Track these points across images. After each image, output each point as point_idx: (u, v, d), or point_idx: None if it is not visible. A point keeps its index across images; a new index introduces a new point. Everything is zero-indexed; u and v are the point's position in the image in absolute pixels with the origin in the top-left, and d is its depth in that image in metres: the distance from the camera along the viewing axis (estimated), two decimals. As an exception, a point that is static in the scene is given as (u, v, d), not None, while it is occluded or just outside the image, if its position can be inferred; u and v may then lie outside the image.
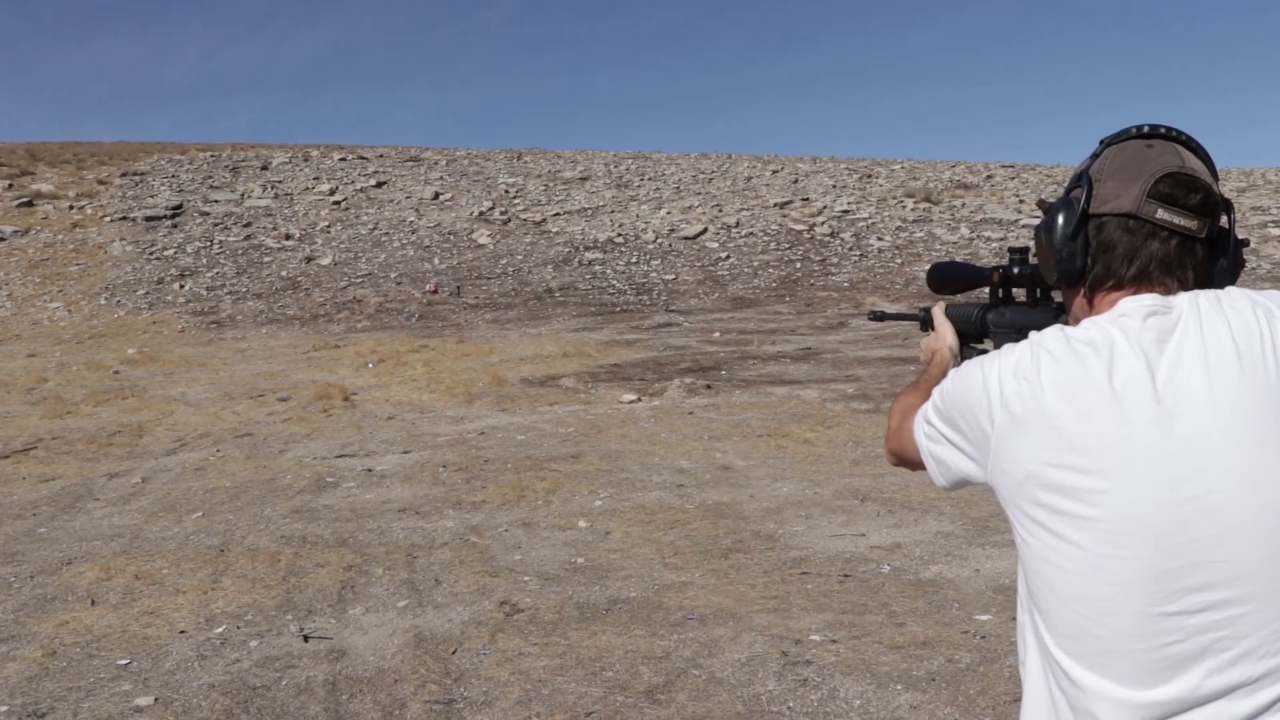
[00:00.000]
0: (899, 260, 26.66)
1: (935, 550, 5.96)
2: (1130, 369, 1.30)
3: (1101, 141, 1.46)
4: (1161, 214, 1.35)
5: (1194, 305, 1.34)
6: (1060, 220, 1.42)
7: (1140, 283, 1.38)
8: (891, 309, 21.37)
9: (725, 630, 4.81)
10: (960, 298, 1.95)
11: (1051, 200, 1.47)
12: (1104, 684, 1.30)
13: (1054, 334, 1.37)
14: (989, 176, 36.89)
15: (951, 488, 1.53)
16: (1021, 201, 31.96)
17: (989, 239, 27.93)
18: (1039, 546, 1.34)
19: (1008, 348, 1.42)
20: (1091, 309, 1.43)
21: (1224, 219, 1.41)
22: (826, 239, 28.29)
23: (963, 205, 31.79)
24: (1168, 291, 1.37)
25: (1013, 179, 36.56)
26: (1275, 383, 1.28)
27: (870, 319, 2.29)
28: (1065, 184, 1.51)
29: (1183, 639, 1.26)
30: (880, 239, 28.35)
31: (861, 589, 5.36)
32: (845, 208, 31.04)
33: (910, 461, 1.63)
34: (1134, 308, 1.35)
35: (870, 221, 29.89)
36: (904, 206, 31.61)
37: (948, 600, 5.17)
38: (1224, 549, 1.25)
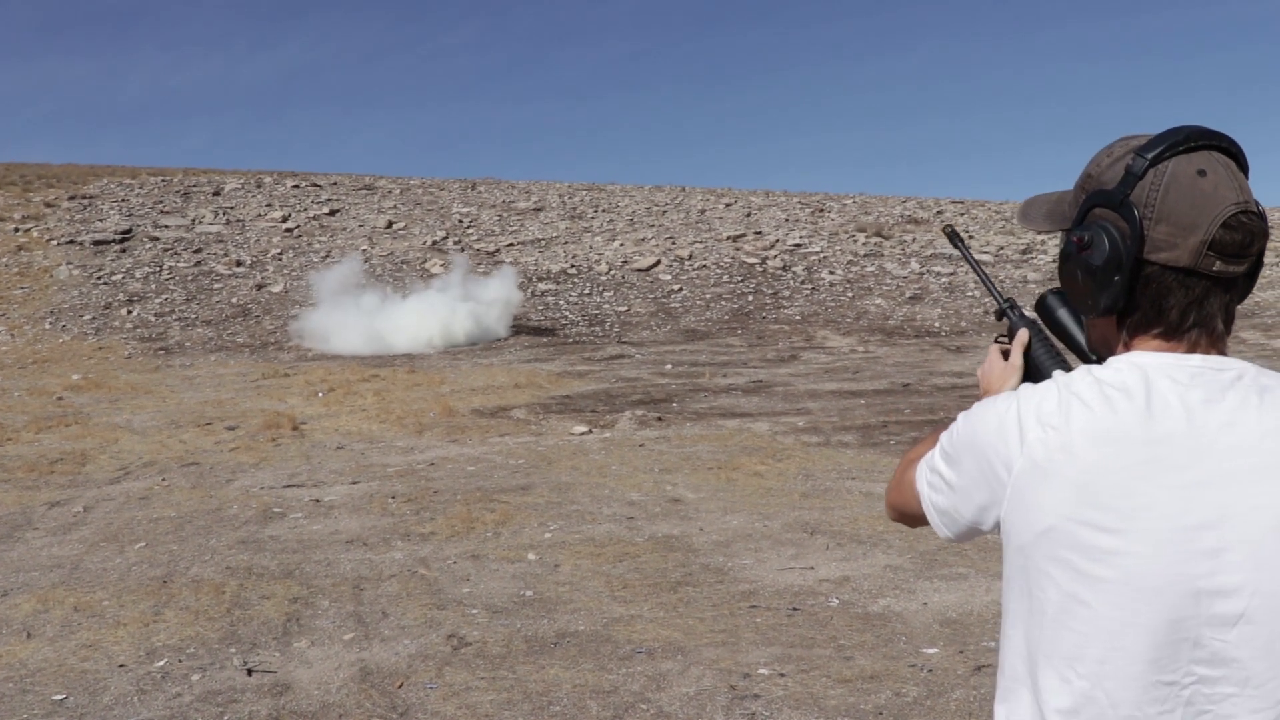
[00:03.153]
0: (850, 294, 26.92)
1: (884, 583, 6.00)
2: (1170, 427, 1.25)
3: (1136, 152, 1.31)
4: (1219, 266, 1.27)
5: (1256, 380, 1.29)
6: (1104, 261, 1.31)
7: (1190, 331, 1.31)
8: (842, 342, 21.55)
9: (674, 664, 4.80)
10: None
11: (1083, 232, 1.35)
12: None
13: (1083, 378, 1.30)
14: (939, 212, 37.41)
15: (959, 539, 1.44)
16: (971, 237, 32.41)
17: (939, 274, 28.30)
18: (1044, 602, 1.29)
19: (1026, 389, 1.34)
20: (1125, 341, 1.36)
21: None
22: (779, 272, 28.53)
23: (913, 240, 32.21)
24: (1215, 340, 1.31)
25: (962, 215, 37.11)
26: None
27: (944, 231, 1.92)
28: (1086, 187, 1.38)
29: (1171, 709, 1.25)
30: (832, 273, 28.64)
31: (810, 622, 5.38)
32: (797, 241, 31.34)
33: (911, 515, 1.52)
34: (1177, 361, 1.29)
35: (822, 255, 30.19)
36: (855, 241, 31.96)
37: (895, 634, 5.20)
38: (1231, 632, 1.24)
